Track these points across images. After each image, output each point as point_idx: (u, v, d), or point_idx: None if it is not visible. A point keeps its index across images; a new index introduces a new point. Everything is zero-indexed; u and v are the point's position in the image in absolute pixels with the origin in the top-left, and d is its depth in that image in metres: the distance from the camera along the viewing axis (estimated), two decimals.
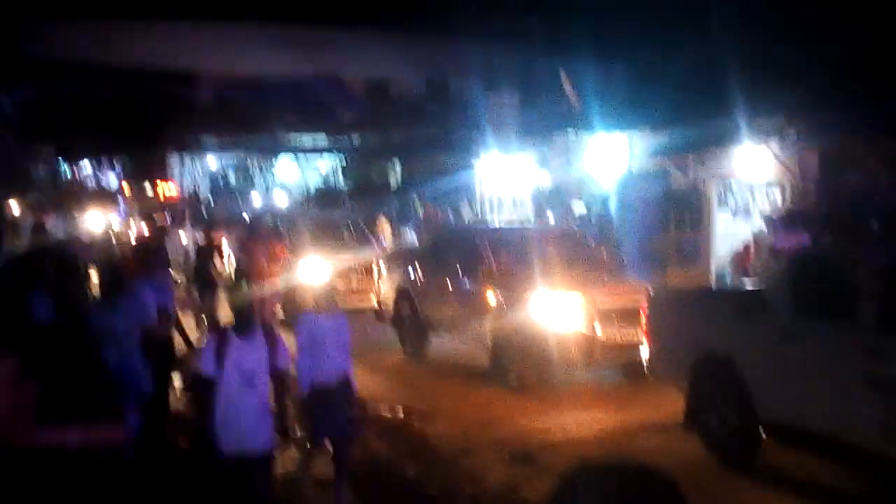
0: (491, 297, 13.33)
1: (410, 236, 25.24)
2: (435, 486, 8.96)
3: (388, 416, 11.66)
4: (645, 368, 11.15)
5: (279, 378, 6.78)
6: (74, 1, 32.07)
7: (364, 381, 12.82)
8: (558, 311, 12.38)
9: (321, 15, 33.91)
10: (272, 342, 6.71)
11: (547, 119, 25.55)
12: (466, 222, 24.19)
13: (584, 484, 2.77)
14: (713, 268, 17.67)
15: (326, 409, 8.01)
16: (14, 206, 27.11)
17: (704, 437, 9.43)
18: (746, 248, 17.52)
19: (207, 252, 17.40)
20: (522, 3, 31.73)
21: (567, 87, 25.59)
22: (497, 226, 19.49)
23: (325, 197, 35.82)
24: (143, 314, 8.93)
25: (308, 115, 36.10)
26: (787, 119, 18.13)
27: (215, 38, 35.05)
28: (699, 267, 17.83)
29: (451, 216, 26.50)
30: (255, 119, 35.46)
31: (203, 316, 16.47)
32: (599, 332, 12.29)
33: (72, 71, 31.59)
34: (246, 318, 6.69)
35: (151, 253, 11.83)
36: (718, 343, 9.40)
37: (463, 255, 14.54)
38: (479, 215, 24.89)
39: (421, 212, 27.80)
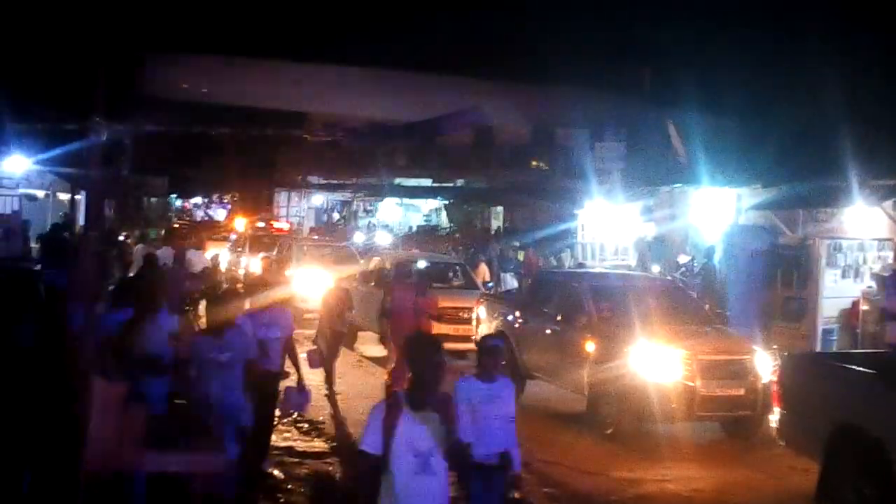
0: (590, 344, 13.19)
1: (510, 282, 25.29)
2: None
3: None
4: (774, 433, 10.65)
5: (460, 456, 5.62)
6: (191, 40, 33.09)
7: None
8: (659, 362, 12.21)
9: (431, 62, 34.41)
10: (449, 415, 5.54)
11: (652, 170, 25.42)
12: (567, 269, 24.07)
13: None
14: (819, 326, 17.32)
15: (486, 491, 7.18)
16: (126, 238, 27.91)
17: None
18: (855, 304, 17.14)
19: (336, 297, 15.91)
20: (633, 54, 31.75)
21: (675, 139, 25.46)
22: (598, 273, 19.23)
23: (426, 238, 36.10)
24: (248, 348, 9.08)
25: (414, 159, 36.55)
26: None
27: (327, 81, 35.76)
28: (804, 325, 17.50)
29: (552, 263, 26.47)
30: (362, 160, 36.02)
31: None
32: (700, 385, 12.08)
33: (186, 107, 32.51)
34: (427, 388, 5.47)
35: (261, 288, 12.04)
36: (860, 413, 8.85)
37: (563, 301, 14.47)
38: (581, 263, 24.78)
39: (521, 257, 27.80)
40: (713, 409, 12.31)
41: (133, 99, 29.63)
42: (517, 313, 15.68)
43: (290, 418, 12.96)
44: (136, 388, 7.98)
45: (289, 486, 9.95)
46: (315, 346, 15.27)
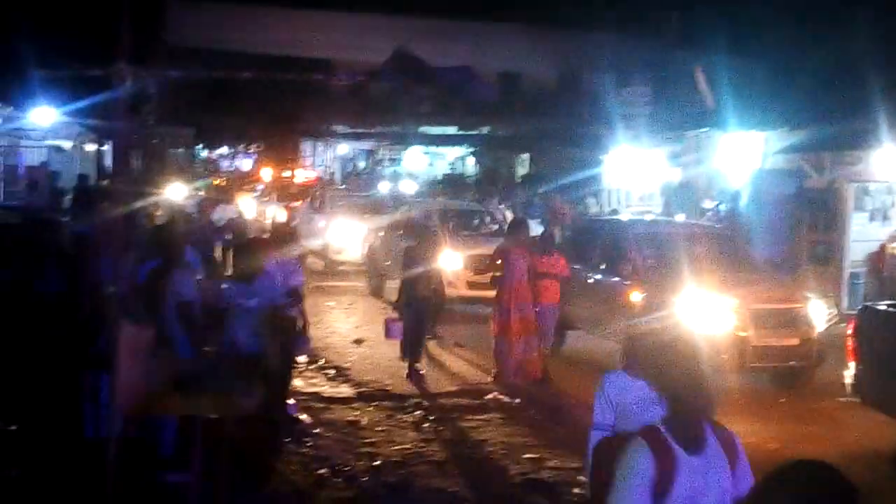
0: (635, 293, 12.75)
1: (535, 229, 25.26)
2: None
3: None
4: (847, 388, 10.13)
5: None
6: None
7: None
8: (709, 312, 11.75)
9: (455, 7, 34.16)
10: (733, 457, 3.92)
11: (679, 115, 25.25)
12: (595, 216, 23.95)
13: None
14: (846, 270, 17.26)
15: None
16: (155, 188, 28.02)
17: None
18: (882, 248, 17.05)
19: (420, 261, 13.44)
20: None
21: (701, 82, 25.24)
22: (643, 220, 18.55)
23: (452, 186, 36.06)
24: (275, 294, 9.18)
25: (439, 106, 36.40)
26: None
27: (351, 28, 35.61)
28: (832, 269, 17.45)
29: (579, 210, 26.40)
30: (387, 108, 35.91)
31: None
32: (752, 335, 11.75)
33: (210, 56, 32.47)
34: (700, 415, 3.90)
35: (286, 236, 12.12)
36: None
37: (606, 249, 14.07)
38: (615, 210, 24.70)
39: (548, 205, 27.73)
40: (766, 359, 11.97)
41: (157, 48, 29.63)
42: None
43: (316, 365, 13.13)
44: (165, 334, 8.11)
45: (316, 431, 10.09)
46: (395, 315, 13.76)
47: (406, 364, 12.88)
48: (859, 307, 10.81)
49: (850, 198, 17.55)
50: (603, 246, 14.30)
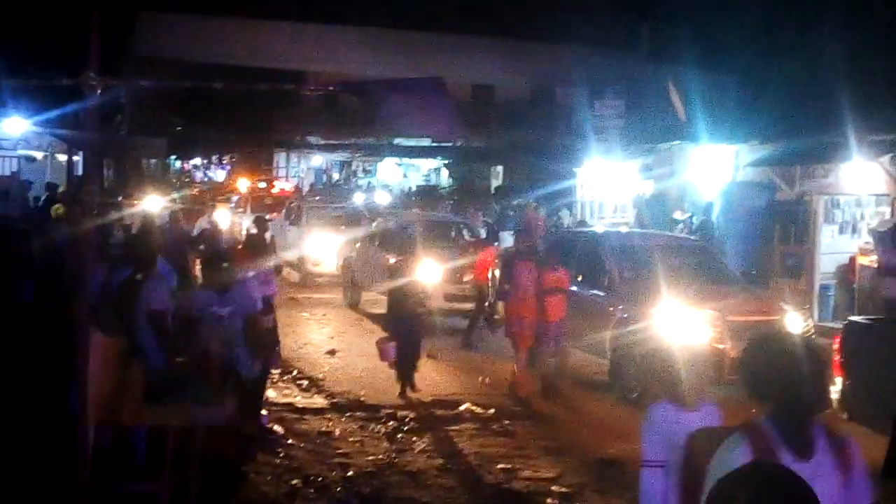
0: (612, 305, 12.86)
1: (508, 240, 25.31)
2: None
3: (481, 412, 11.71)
4: (834, 404, 9.62)
5: None
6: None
7: (472, 387, 13.02)
8: (686, 324, 11.69)
9: (430, 20, 34.25)
10: (846, 465, 3.47)
11: (651, 128, 25.40)
12: (569, 227, 24.01)
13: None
14: (817, 282, 17.42)
15: None
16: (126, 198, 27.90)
17: None
18: (852, 260, 17.21)
19: (403, 272, 13.50)
20: (631, 10, 31.59)
21: (673, 95, 25.41)
22: (621, 232, 18.43)
23: (426, 198, 36.10)
24: (249, 303, 9.17)
25: (412, 118, 36.40)
26: None
27: (323, 39, 35.61)
28: (802, 281, 17.60)
29: (551, 221, 26.51)
30: (360, 120, 35.93)
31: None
32: (730, 347, 11.53)
33: (184, 67, 32.39)
34: (808, 414, 3.52)
35: (261, 247, 12.12)
36: None
37: (583, 261, 14.03)
38: (582, 221, 24.79)
39: (521, 216, 27.81)
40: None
41: (129, 58, 29.54)
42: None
43: (289, 375, 13.10)
44: (137, 344, 8.08)
45: (288, 441, 10.07)
46: (387, 335, 13.18)
47: (399, 384, 12.54)
48: (845, 322, 10.61)
49: (819, 211, 17.72)
50: (580, 258, 14.21)
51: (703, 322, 11.86)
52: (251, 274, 9.82)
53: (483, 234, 21.33)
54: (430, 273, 15.98)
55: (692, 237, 18.45)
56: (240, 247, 14.97)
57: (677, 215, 22.71)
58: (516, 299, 12.56)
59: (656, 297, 12.10)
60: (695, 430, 3.89)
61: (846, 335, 9.86)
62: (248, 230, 20.70)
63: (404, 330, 12.78)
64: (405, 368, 12.59)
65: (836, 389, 9.62)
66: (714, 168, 22.09)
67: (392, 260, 14.96)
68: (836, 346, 9.84)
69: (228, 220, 28.15)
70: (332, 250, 22.15)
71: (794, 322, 12.44)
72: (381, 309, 18.70)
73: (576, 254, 14.42)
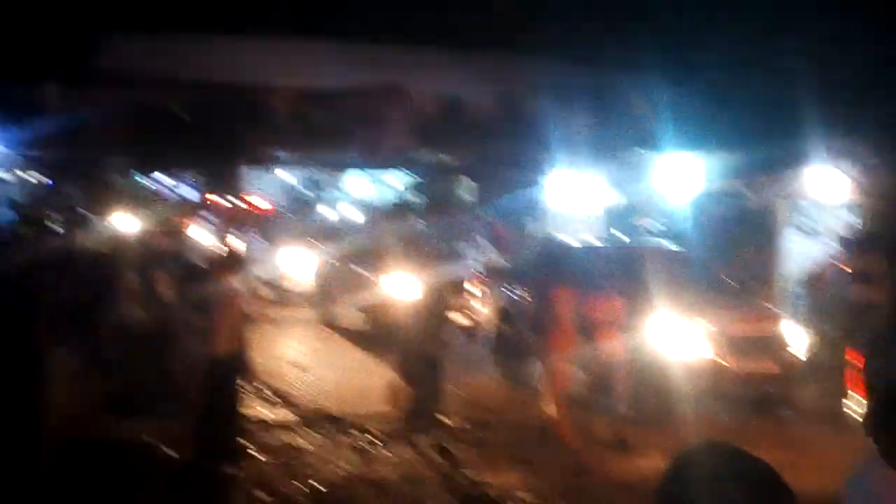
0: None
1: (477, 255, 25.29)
2: None
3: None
4: (862, 425, 9.24)
5: None
6: (152, 14, 32.79)
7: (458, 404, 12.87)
8: (684, 337, 11.42)
9: (395, 32, 34.28)
10: None
11: (619, 137, 25.49)
12: (539, 239, 23.91)
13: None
14: (785, 289, 17.51)
15: None
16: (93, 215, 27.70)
17: None
18: (820, 266, 17.31)
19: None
20: (596, 21, 31.73)
21: (640, 105, 25.54)
22: (612, 245, 18.28)
23: (395, 212, 36.02)
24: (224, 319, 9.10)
25: (379, 132, 36.46)
26: (861, 140, 17.89)
27: (290, 54, 35.59)
28: (769, 289, 17.67)
29: (520, 233, 26.53)
30: (328, 135, 35.89)
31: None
32: (729, 361, 11.41)
33: (150, 84, 32.25)
34: None
35: (235, 264, 12.05)
36: None
37: (573, 275, 12.98)
38: (549, 234, 24.85)
39: (489, 229, 27.81)
40: (745, 386, 11.58)
41: (94, 76, 29.37)
42: (521, 288, 14.62)
43: (256, 389, 13.02)
44: (102, 357, 8.03)
45: (256, 455, 10.00)
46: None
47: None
48: (869, 335, 9.16)
49: (785, 218, 17.84)
50: (570, 271, 13.00)
51: (703, 335, 11.52)
52: (224, 290, 9.74)
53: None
54: (409, 288, 15.95)
55: (678, 248, 18.39)
56: (215, 263, 14.90)
57: (645, 224, 22.80)
58: (560, 330, 10.97)
59: (651, 311, 11.48)
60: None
61: (871, 350, 9.32)
62: (224, 247, 20.64)
63: (424, 365, 11.58)
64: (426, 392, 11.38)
65: (860, 412, 8.72)
66: (681, 177, 22.17)
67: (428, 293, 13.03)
68: (859, 364, 8.86)
69: (203, 238, 28.05)
70: (307, 266, 22.02)
71: (793, 333, 12.12)
72: (357, 325, 18.72)
73: (565, 267, 13.29)
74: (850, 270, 15.77)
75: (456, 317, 16.00)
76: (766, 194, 19.91)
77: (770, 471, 2.15)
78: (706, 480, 2.11)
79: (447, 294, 12.19)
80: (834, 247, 17.32)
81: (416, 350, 11.30)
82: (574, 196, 25.05)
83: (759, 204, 19.69)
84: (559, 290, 11.13)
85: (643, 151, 23.55)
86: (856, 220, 17.91)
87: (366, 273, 18.35)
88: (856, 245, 16.19)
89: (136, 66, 32.47)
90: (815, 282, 17.39)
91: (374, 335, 17.58)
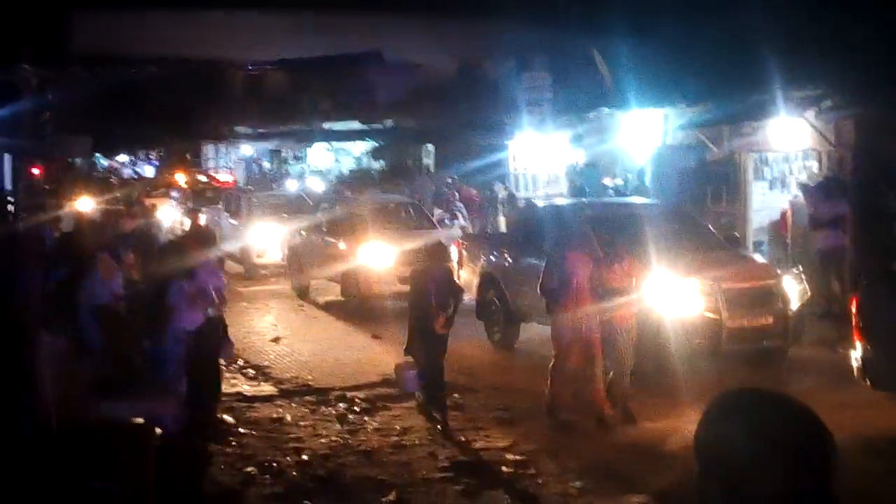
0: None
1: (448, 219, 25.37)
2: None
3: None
4: (856, 373, 9.06)
5: None
6: None
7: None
8: (680, 295, 11.17)
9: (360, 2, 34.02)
10: None
11: (580, 97, 25.53)
12: (531, 201, 23.54)
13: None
14: (750, 239, 17.69)
15: None
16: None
17: None
18: (783, 215, 17.52)
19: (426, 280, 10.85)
20: None
21: (600, 64, 25.58)
22: (598, 202, 17.56)
23: (358, 181, 36.00)
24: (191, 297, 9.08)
25: (341, 101, 36.32)
26: (823, 88, 18.02)
27: (249, 26, 35.24)
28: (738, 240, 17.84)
29: (485, 194, 26.66)
30: (288, 106, 35.69)
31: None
32: (726, 316, 11.11)
33: (105, 61, 31.83)
34: None
35: (203, 240, 12.01)
36: None
37: (560, 236, 12.35)
38: (511, 194, 25.01)
39: (457, 194, 27.86)
40: (741, 341, 11.36)
41: (56, 57, 28.96)
42: (505, 252, 14.50)
43: (236, 365, 13.04)
44: (83, 341, 8.01)
45: (240, 430, 10.04)
46: (407, 359, 11.43)
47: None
48: (863, 283, 9.66)
49: (749, 168, 18.00)
50: (556, 232, 12.69)
51: (697, 291, 11.29)
52: (196, 267, 9.71)
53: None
54: (379, 256, 15.96)
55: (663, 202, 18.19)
56: (183, 240, 14.84)
57: (607, 181, 22.94)
58: (570, 301, 10.18)
59: (644, 268, 10.80)
60: None
61: (864, 297, 9.10)
62: (190, 224, 20.55)
63: (425, 351, 10.78)
64: (430, 395, 10.69)
65: (855, 356, 9.04)
66: (644, 133, 22.28)
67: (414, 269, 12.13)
68: (854, 310, 9.18)
69: (170, 215, 27.89)
70: (276, 240, 21.92)
71: (789, 286, 11.87)
72: (330, 296, 18.73)
73: (551, 228, 13.24)
74: (811, 217, 15.97)
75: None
76: (728, 145, 20.04)
77: (809, 411, 2.11)
78: (747, 422, 2.08)
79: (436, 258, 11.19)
80: (796, 194, 17.53)
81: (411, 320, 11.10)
82: (538, 157, 25.15)
83: (722, 155, 19.82)
84: (568, 254, 10.43)
85: (606, 110, 23.62)
86: (818, 169, 18.09)
87: (336, 243, 18.31)
88: (818, 192, 16.37)
89: (97, 44, 32.04)
90: (778, 230, 17.62)
91: (349, 305, 17.63)
